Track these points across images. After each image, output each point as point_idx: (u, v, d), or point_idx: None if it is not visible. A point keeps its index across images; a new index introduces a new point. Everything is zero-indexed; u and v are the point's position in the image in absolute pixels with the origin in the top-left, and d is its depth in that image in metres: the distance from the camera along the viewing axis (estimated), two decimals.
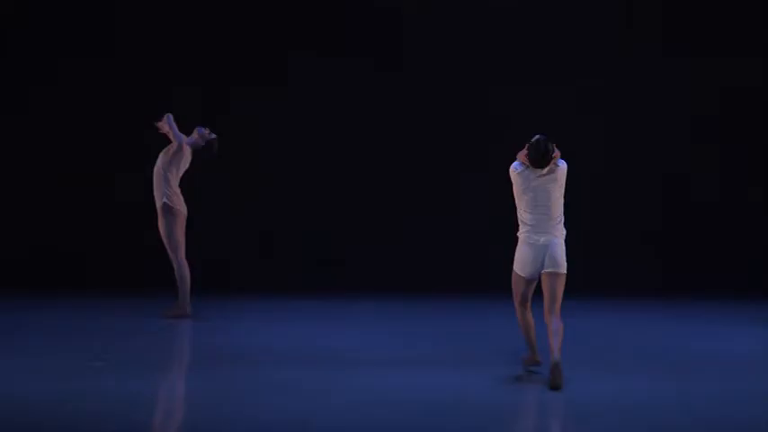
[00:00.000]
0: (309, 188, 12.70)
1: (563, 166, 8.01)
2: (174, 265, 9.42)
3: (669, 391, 6.85)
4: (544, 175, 7.89)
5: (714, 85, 12.65)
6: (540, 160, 7.87)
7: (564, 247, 7.90)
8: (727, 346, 9.18)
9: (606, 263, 12.51)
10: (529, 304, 7.90)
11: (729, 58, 12.68)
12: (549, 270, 7.74)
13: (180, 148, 9.47)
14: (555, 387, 7.17)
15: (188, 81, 12.87)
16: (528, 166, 7.90)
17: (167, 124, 9.53)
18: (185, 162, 9.55)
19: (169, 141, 9.68)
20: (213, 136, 9.68)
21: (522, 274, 7.79)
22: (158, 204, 9.44)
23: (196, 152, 9.64)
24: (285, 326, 9.33)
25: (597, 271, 12.45)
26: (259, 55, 12.84)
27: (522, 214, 7.86)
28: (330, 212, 12.67)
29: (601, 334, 9.70)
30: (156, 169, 9.54)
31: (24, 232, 12.80)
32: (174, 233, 9.35)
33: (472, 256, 12.44)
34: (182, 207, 9.42)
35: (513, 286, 7.89)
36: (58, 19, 12.92)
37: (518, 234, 7.89)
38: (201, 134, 9.68)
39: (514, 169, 7.94)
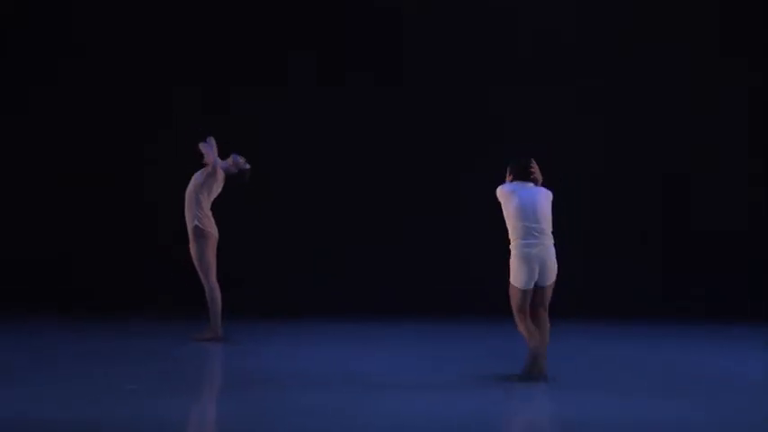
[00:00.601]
0: (321, 197, 12.65)
1: (549, 191, 8.39)
2: (205, 288, 9.36)
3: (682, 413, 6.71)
4: (531, 188, 8.25)
5: (714, 85, 12.66)
6: (522, 172, 8.28)
7: (555, 256, 8.24)
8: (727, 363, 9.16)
9: (606, 263, 12.50)
10: (528, 312, 8.10)
11: (729, 58, 12.68)
12: (547, 283, 8.15)
13: (214, 171, 9.42)
14: (543, 377, 7.63)
15: (188, 81, 12.88)
16: (513, 182, 8.29)
17: (206, 146, 9.49)
18: (218, 186, 9.51)
19: (202, 165, 9.61)
20: (247, 166, 9.64)
21: (521, 287, 8.05)
22: (190, 227, 9.40)
23: (228, 178, 9.60)
24: (314, 349, 9.22)
25: (597, 271, 12.46)
26: (259, 55, 12.85)
27: (514, 227, 8.14)
28: (350, 226, 12.64)
29: (607, 352, 9.64)
30: (188, 191, 9.48)
31: (43, 247, 12.80)
32: (206, 256, 9.31)
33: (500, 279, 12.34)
34: (213, 230, 9.38)
35: (512, 300, 8.10)
36: (58, 19, 12.93)
37: (510, 248, 8.15)
38: (236, 162, 9.63)
39: (501, 188, 8.32)
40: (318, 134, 12.75)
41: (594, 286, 12.41)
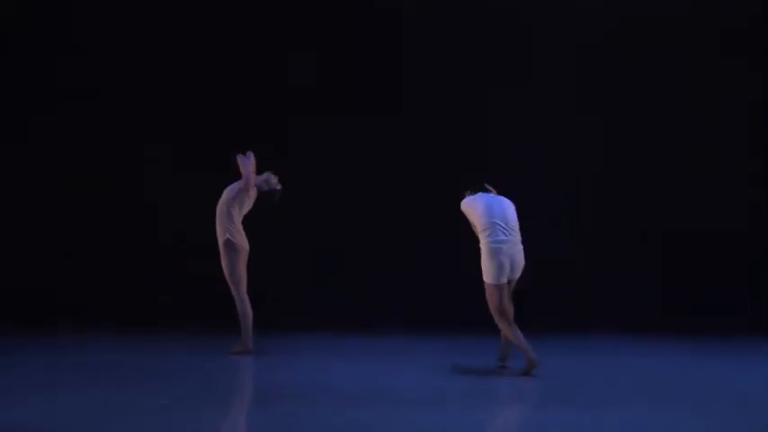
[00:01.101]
0: (337, 207, 12.64)
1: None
2: (236, 302, 9.33)
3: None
4: (494, 195, 8.92)
5: (714, 85, 12.65)
6: (481, 189, 9.00)
7: (523, 254, 8.80)
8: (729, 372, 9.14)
9: (606, 263, 12.51)
10: (508, 311, 8.57)
11: (729, 58, 12.68)
12: (517, 275, 8.70)
13: (248, 186, 9.38)
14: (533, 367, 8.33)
15: (188, 81, 12.88)
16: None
17: (244, 160, 9.44)
18: (249, 201, 9.46)
19: (235, 179, 9.56)
20: (279, 187, 9.59)
21: (495, 283, 8.53)
22: (221, 240, 9.36)
23: (259, 194, 9.55)
24: (343, 363, 9.12)
25: (597, 271, 12.47)
26: (258, 56, 12.84)
27: (483, 226, 8.65)
28: (368, 240, 12.57)
29: (610, 359, 9.62)
30: (219, 205, 9.43)
31: (43, 249, 12.83)
32: (236, 269, 9.27)
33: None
34: (244, 243, 9.34)
35: (489, 300, 8.53)
36: (57, 19, 12.93)
37: (481, 246, 8.62)
38: (268, 179, 9.58)
39: (464, 201, 8.90)
40: (326, 148, 12.72)
41: (594, 286, 12.42)
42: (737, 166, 12.71)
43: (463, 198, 8.96)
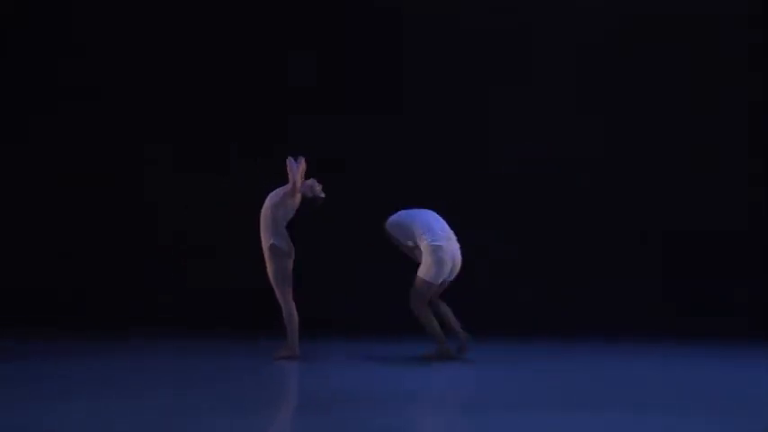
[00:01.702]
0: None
1: None
2: (282, 307, 9.24)
3: None
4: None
5: (714, 85, 12.66)
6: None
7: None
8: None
9: (606, 263, 12.52)
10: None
11: (729, 58, 12.68)
12: (454, 275, 9.29)
13: (293, 192, 9.30)
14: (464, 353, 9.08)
15: (188, 81, 12.89)
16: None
17: (294, 165, 9.36)
18: (293, 207, 9.34)
19: (279, 184, 9.50)
20: (322, 195, 9.51)
21: (436, 283, 9.13)
22: (265, 246, 9.24)
23: (302, 201, 9.47)
24: (389, 368, 9.07)
25: (597, 271, 12.47)
26: (259, 56, 12.86)
27: (428, 229, 9.21)
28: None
29: (614, 364, 9.58)
30: (263, 210, 9.30)
31: (42, 251, 12.85)
32: (282, 275, 9.18)
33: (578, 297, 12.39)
34: (289, 249, 9.29)
35: (420, 294, 9.12)
36: (58, 19, 12.95)
37: (423, 248, 9.15)
38: (312, 186, 9.45)
39: (392, 218, 9.43)
40: (326, 148, 12.73)
41: (594, 287, 12.43)
42: (737, 166, 12.72)
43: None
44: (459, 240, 9.37)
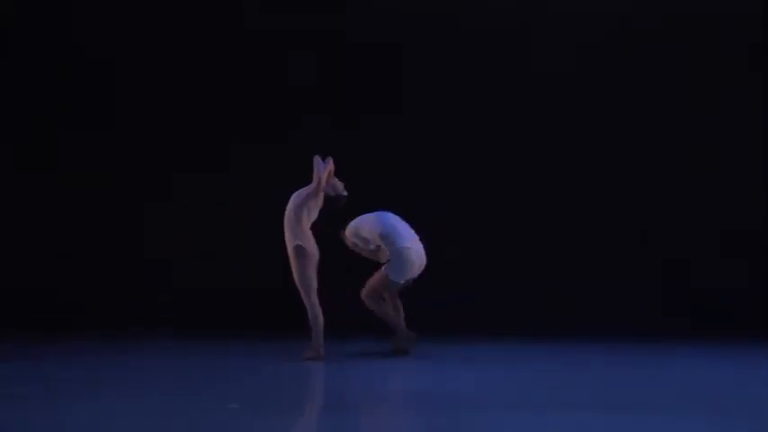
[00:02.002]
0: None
1: None
2: (307, 308, 9.16)
3: None
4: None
5: (714, 85, 12.65)
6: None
7: None
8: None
9: (606, 263, 12.51)
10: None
11: (729, 58, 12.68)
12: (417, 274, 9.58)
13: (317, 192, 9.24)
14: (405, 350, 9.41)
15: (188, 81, 12.89)
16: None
17: (321, 165, 9.31)
18: (317, 207, 9.28)
19: (301, 185, 9.48)
20: (345, 193, 9.47)
21: (401, 282, 9.46)
22: (290, 246, 9.18)
23: (325, 200, 9.41)
24: (409, 367, 9.00)
25: (597, 271, 12.47)
26: (259, 56, 12.86)
27: (395, 230, 9.49)
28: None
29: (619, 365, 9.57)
30: (287, 211, 9.24)
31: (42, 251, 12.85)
32: (307, 275, 9.11)
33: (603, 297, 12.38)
34: (314, 249, 9.22)
35: (381, 288, 9.43)
36: (57, 19, 12.95)
37: (390, 249, 9.41)
38: (335, 185, 9.41)
39: (354, 224, 9.74)
40: (325, 148, 12.70)
41: (594, 287, 12.42)
42: (737, 166, 12.71)
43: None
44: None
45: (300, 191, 9.30)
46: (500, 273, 12.42)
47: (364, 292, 9.53)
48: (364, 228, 9.66)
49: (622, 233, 12.63)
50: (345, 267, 10.01)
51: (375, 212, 9.72)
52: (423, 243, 9.70)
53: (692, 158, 12.65)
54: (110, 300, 12.68)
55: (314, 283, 9.17)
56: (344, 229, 9.85)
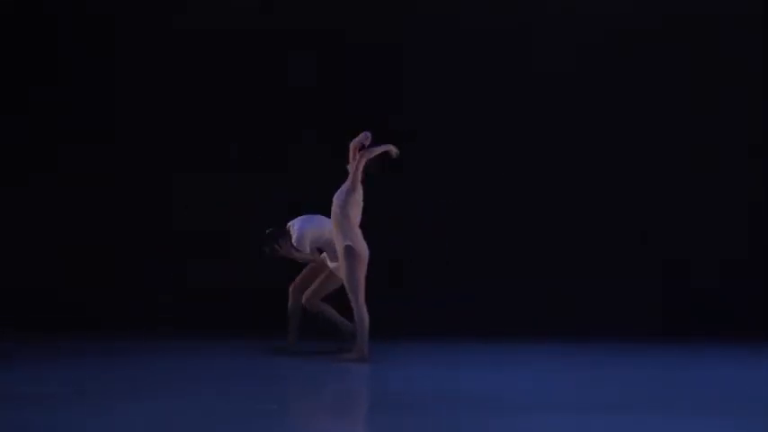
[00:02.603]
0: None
1: None
2: (354, 308, 9.11)
3: None
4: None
5: (714, 85, 12.64)
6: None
7: None
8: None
9: (606, 263, 12.50)
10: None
11: (729, 58, 12.67)
12: None
13: (353, 187, 9.11)
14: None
15: (188, 81, 12.88)
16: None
17: (363, 158, 9.23)
18: (359, 201, 9.23)
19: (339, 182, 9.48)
20: (389, 148, 9.29)
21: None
22: (340, 247, 9.15)
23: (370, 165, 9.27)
24: (457, 370, 8.92)
25: (597, 271, 12.46)
26: (259, 56, 12.85)
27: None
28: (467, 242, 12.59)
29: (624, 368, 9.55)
30: (333, 215, 9.22)
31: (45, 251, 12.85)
32: (355, 275, 9.07)
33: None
34: (363, 249, 9.20)
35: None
36: (57, 18, 12.94)
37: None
38: (371, 151, 9.28)
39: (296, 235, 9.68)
40: (325, 148, 12.71)
41: (594, 287, 12.41)
42: (737, 166, 12.70)
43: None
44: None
45: (340, 190, 9.24)
46: (500, 273, 12.42)
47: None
48: (309, 231, 9.62)
49: (622, 233, 12.62)
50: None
51: (309, 216, 9.72)
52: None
53: (692, 158, 12.64)
54: (110, 300, 12.67)
55: (362, 285, 9.12)
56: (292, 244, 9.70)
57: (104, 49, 12.92)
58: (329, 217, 9.38)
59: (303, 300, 9.76)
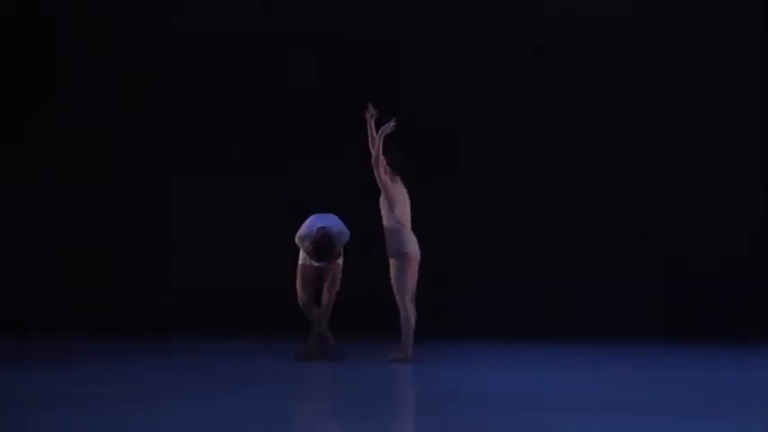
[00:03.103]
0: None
1: None
2: (400, 310, 9.08)
3: None
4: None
5: (714, 85, 12.65)
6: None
7: None
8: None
9: (606, 263, 12.51)
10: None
11: (729, 58, 12.67)
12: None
13: (385, 188, 9.07)
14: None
15: (188, 81, 12.89)
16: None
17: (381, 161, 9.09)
18: (401, 198, 9.17)
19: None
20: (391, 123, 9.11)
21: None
22: (398, 253, 9.07)
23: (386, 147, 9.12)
24: (503, 371, 8.87)
25: (597, 271, 12.47)
26: (259, 56, 12.86)
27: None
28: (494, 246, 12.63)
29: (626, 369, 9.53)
30: (385, 225, 9.15)
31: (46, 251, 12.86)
32: (404, 279, 9.04)
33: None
34: (416, 252, 9.12)
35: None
36: (57, 18, 12.95)
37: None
38: (377, 138, 9.17)
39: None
40: (325, 148, 12.72)
41: (594, 287, 12.42)
42: (737, 166, 12.71)
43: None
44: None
45: (382, 197, 9.16)
46: (500, 273, 12.43)
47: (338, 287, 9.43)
48: (343, 230, 9.41)
49: (622, 233, 12.63)
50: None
51: (319, 215, 9.50)
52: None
53: (692, 158, 12.64)
54: (110, 300, 12.68)
55: (410, 287, 9.09)
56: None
57: (104, 49, 12.94)
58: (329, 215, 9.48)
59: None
